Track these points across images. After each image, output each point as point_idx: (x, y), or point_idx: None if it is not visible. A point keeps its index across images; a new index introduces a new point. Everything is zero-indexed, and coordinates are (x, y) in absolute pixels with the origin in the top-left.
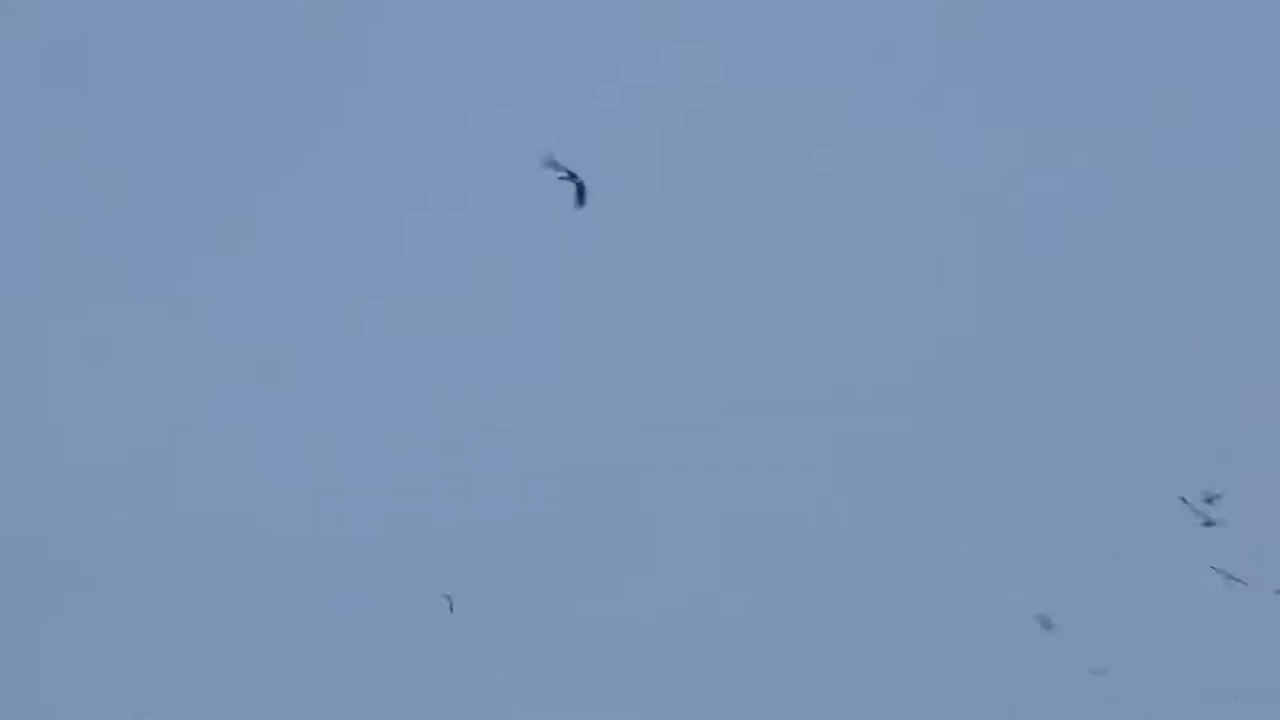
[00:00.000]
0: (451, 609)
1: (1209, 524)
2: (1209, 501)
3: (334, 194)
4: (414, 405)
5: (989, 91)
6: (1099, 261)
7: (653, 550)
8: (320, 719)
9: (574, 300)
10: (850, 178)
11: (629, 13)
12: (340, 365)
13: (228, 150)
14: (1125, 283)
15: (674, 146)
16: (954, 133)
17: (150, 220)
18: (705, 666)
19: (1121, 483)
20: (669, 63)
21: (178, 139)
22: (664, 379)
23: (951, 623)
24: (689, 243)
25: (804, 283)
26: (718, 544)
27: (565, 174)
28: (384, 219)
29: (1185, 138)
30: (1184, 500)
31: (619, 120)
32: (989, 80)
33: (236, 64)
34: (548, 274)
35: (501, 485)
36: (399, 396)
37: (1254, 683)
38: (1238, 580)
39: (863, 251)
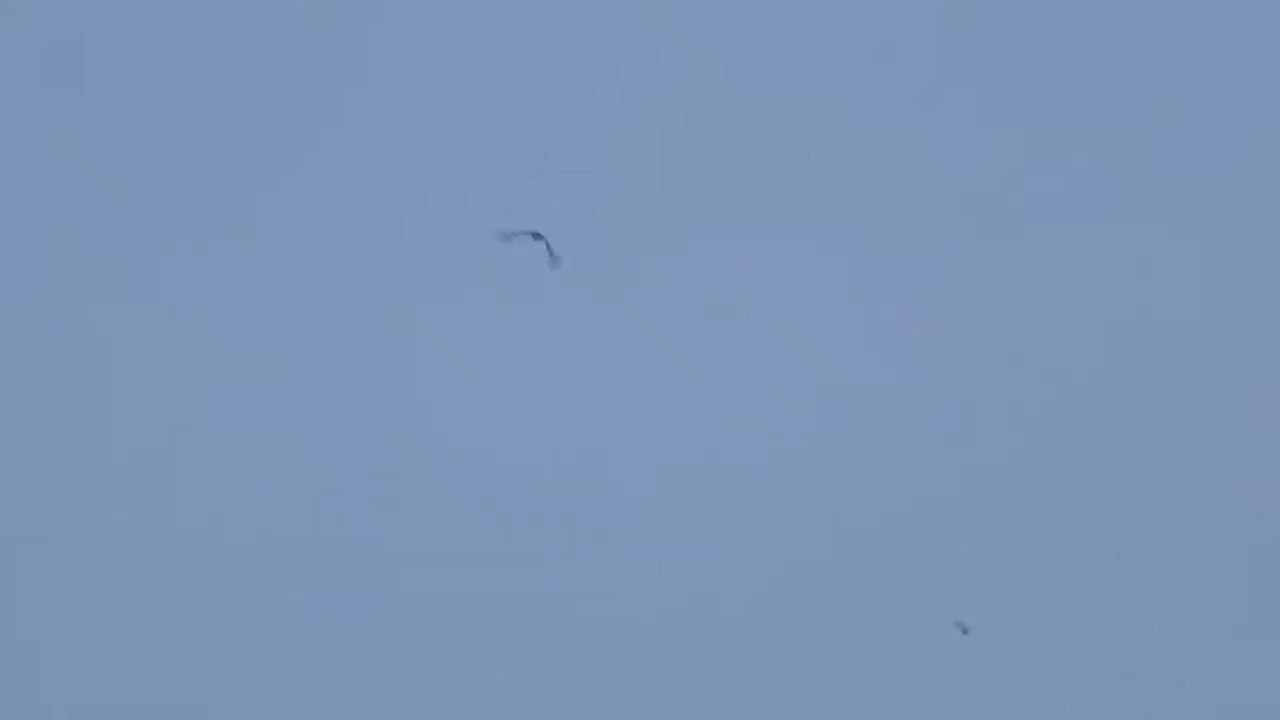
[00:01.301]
0: (965, 631)
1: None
2: None
3: (334, 194)
4: (414, 405)
5: (989, 91)
6: (1099, 261)
7: (653, 550)
8: (320, 719)
9: (574, 299)
10: (850, 178)
11: (629, 13)
12: (340, 365)
13: (228, 150)
14: (1125, 282)
15: (674, 146)
16: (954, 133)
17: (150, 220)
18: (705, 666)
19: (1122, 483)
20: (669, 63)
21: (178, 139)
22: (662, 377)
23: (949, 622)
24: (689, 242)
25: (804, 281)
26: (718, 544)
27: (530, 236)
28: (384, 219)
29: (1185, 138)
30: None
31: (619, 120)
32: (989, 80)
33: (236, 64)
34: (548, 274)
35: (501, 485)
36: (399, 397)
37: (1254, 682)
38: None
39: (863, 251)
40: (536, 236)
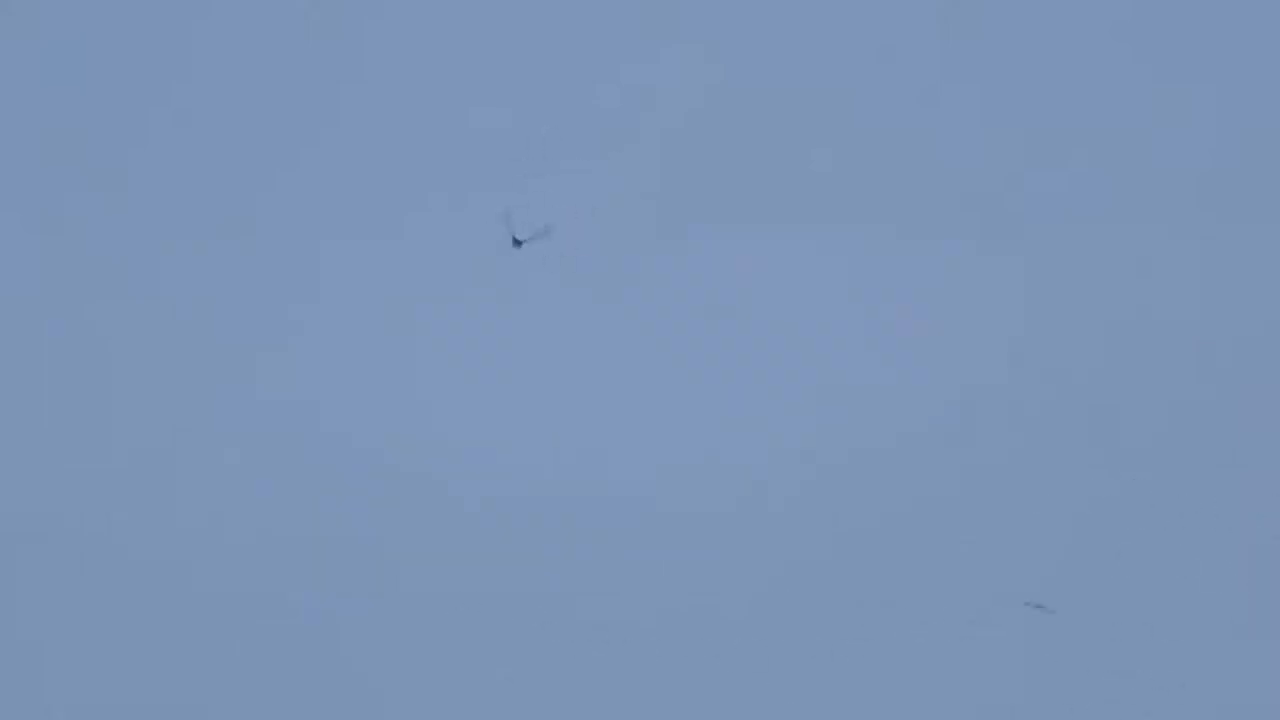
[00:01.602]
0: (1040, 607)
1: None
2: None
3: (334, 194)
4: (414, 405)
5: (989, 91)
6: (1098, 261)
7: (653, 550)
8: (320, 719)
9: (575, 299)
10: (850, 178)
11: (629, 13)
12: (340, 364)
13: (228, 150)
14: (1124, 282)
15: (674, 146)
16: (954, 133)
17: (150, 220)
18: (705, 666)
19: (1121, 482)
20: (669, 63)
21: (178, 139)
22: (662, 376)
23: (951, 622)
24: (689, 242)
25: (804, 281)
26: (718, 544)
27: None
28: (384, 219)
29: (1185, 138)
30: None
31: (619, 120)
32: (989, 80)
33: (236, 64)
34: (548, 273)
35: (501, 485)
36: (399, 397)
37: (1254, 682)
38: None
39: (863, 251)
40: (517, 243)
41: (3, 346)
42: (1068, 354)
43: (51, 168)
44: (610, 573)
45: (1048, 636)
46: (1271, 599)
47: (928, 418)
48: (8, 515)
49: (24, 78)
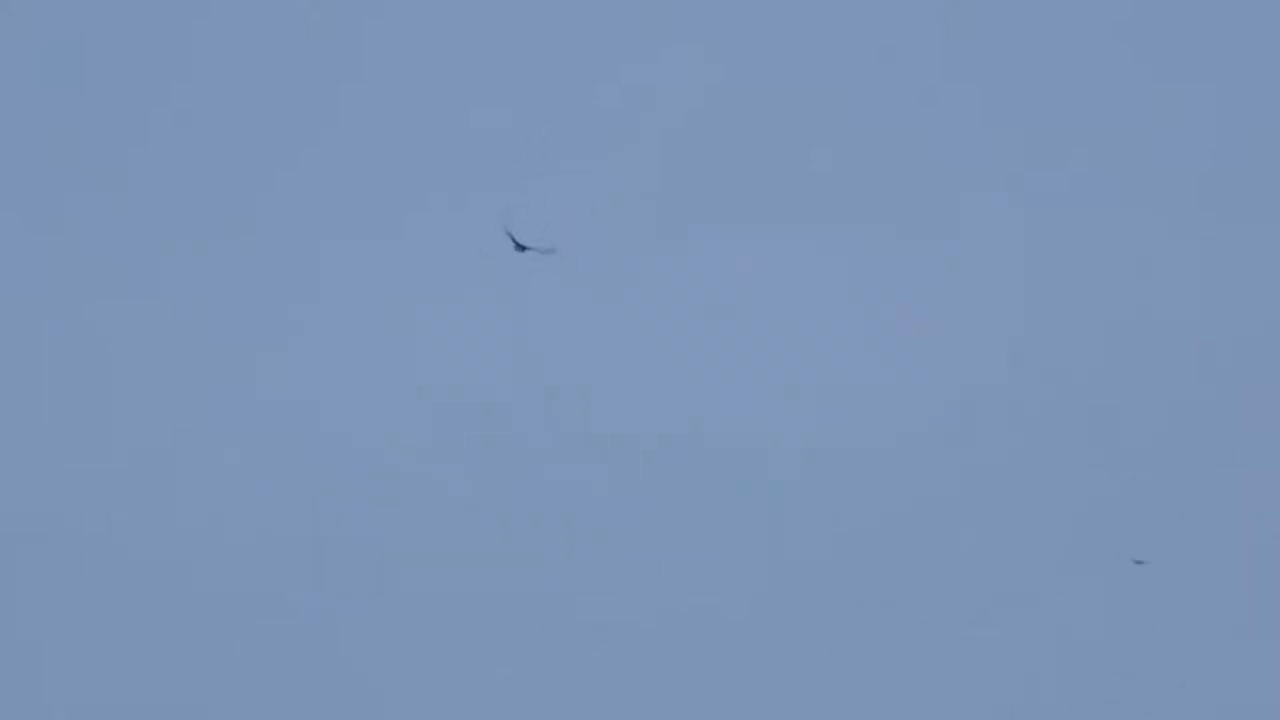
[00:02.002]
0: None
1: None
2: None
3: (334, 194)
4: (416, 406)
5: (989, 91)
6: (1099, 261)
7: (653, 550)
8: (320, 718)
9: (575, 299)
10: (850, 178)
11: (629, 13)
12: (341, 365)
13: (228, 150)
14: (1125, 282)
15: (674, 146)
16: (954, 133)
17: (150, 220)
18: (705, 666)
19: (1121, 482)
20: (669, 63)
21: (178, 139)
22: (662, 377)
23: (951, 622)
24: (689, 242)
25: (804, 281)
26: (718, 544)
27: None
28: (384, 219)
29: (1185, 138)
30: None
31: (619, 120)
32: (989, 80)
33: (236, 64)
34: (548, 274)
35: (500, 485)
36: (400, 397)
37: (1254, 682)
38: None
39: (863, 251)
40: (520, 248)
41: (2, 346)
42: (1068, 354)
43: (51, 168)
44: (610, 572)
45: (1048, 637)
46: (1272, 601)
47: (928, 418)
48: (8, 515)
49: (24, 78)
